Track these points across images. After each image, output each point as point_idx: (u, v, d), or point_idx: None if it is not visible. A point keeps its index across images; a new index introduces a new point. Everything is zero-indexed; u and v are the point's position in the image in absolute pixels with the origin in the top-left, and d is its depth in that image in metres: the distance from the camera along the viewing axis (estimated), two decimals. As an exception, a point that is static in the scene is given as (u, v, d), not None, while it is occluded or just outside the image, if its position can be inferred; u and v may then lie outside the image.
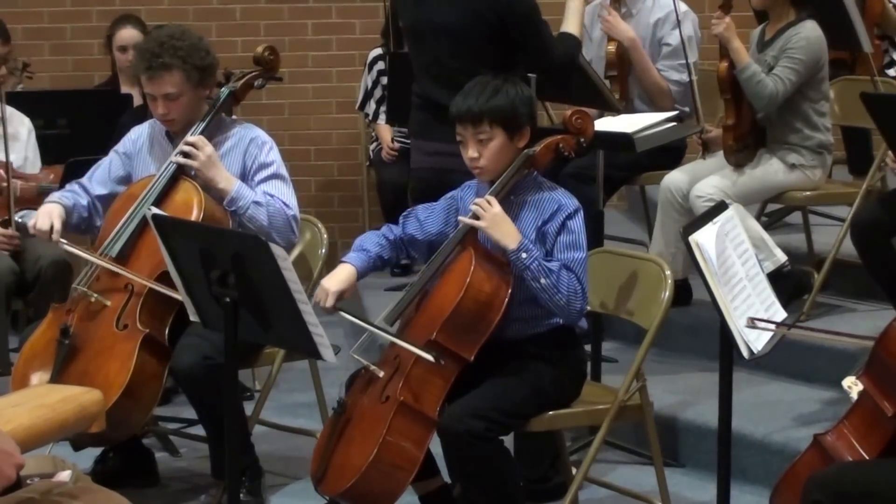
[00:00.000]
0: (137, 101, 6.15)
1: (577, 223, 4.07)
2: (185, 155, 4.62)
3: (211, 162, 4.62)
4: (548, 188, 4.15)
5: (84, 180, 4.85)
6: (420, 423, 3.98)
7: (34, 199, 5.56)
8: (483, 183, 4.17)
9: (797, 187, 5.57)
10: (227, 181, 4.62)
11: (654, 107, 5.92)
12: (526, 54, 4.87)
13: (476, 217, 4.03)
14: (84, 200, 4.79)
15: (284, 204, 4.66)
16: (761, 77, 5.35)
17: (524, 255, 3.97)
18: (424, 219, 4.28)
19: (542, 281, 3.97)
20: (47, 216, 4.66)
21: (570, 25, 5.04)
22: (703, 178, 5.50)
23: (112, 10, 7.30)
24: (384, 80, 7.19)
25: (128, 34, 6.50)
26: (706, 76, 6.13)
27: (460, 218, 4.10)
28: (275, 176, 4.71)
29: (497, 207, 4.02)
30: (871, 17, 6.48)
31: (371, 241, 4.26)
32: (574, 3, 5.07)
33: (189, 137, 4.64)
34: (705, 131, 5.67)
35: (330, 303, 4.11)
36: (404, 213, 4.35)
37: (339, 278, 4.16)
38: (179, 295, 4.09)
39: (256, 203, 4.61)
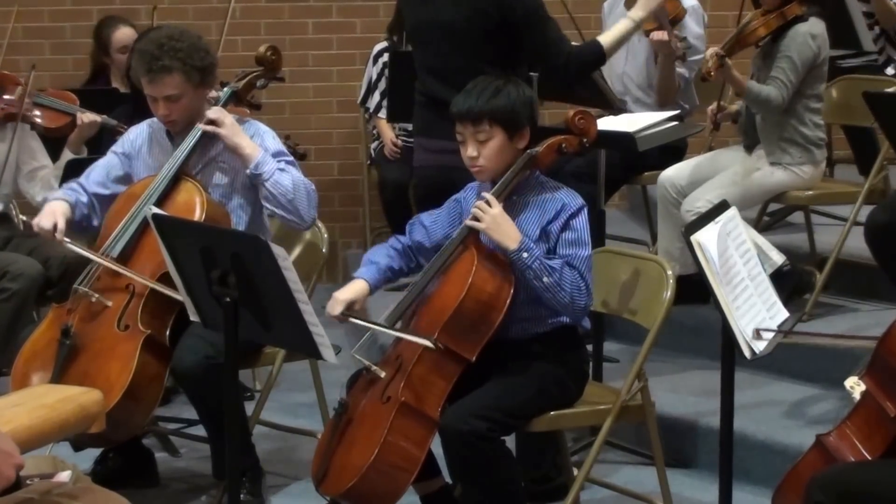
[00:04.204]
0: None
1: (581, 221, 4.06)
2: (210, 125, 4.64)
3: (235, 129, 4.65)
4: (551, 188, 4.14)
5: (81, 179, 4.83)
6: (421, 424, 3.97)
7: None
8: (485, 183, 4.16)
9: (791, 186, 5.56)
10: (252, 148, 4.64)
11: (658, 97, 5.98)
12: (529, 53, 4.84)
13: (476, 219, 4.03)
14: (84, 198, 4.78)
15: (302, 180, 4.67)
16: (766, 92, 5.38)
17: (525, 255, 3.97)
18: (430, 224, 4.28)
19: (545, 280, 3.96)
20: (51, 215, 4.64)
21: (606, 37, 4.95)
22: (698, 178, 5.51)
23: (112, 9, 7.28)
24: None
25: (123, 34, 6.48)
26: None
27: (465, 221, 4.10)
28: (287, 162, 4.70)
29: (497, 208, 4.02)
30: None
31: (380, 253, 4.25)
32: (622, 24, 4.97)
33: (210, 111, 4.66)
34: (722, 109, 5.69)
35: (337, 311, 4.10)
36: (410, 222, 4.34)
37: (350, 289, 4.16)
38: (180, 296, 4.08)
39: (281, 170, 4.62)
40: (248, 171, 4.63)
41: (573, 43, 4.94)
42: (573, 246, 4.03)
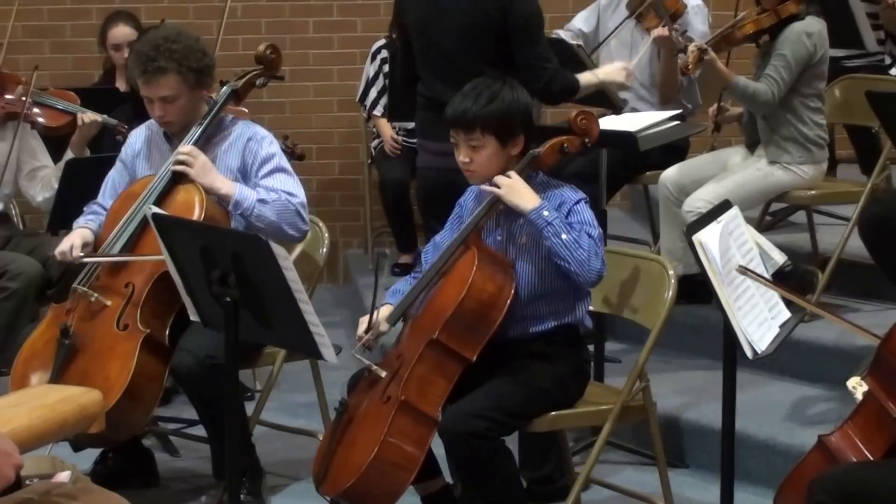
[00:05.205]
0: None
1: (582, 207, 4.07)
2: (180, 164, 4.59)
3: (207, 169, 4.59)
4: (553, 186, 4.14)
5: (100, 199, 4.83)
6: (421, 423, 3.96)
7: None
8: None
9: (791, 186, 5.55)
10: (227, 186, 4.59)
11: (660, 93, 5.99)
12: (518, 61, 4.83)
13: (496, 186, 4.03)
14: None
15: (288, 194, 4.62)
16: (754, 87, 5.36)
17: (546, 213, 3.97)
18: (440, 241, 4.27)
19: (563, 237, 3.95)
20: (69, 241, 4.65)
21: (584, 76, 5.01)
22: (699, 177, 5.50)
23: (111, 7, 7.26)
24: (387, 68, 7.17)
25: (120, 32, 6.47)
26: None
27: (482, 186, 4.10)
28: (277, 169, 4.67)
29: (515, 176, 4.03)
30: None
31: (403, 283, 4.26)
32: (590, 76, 5.07)
33: (181, 148, 4.61)
34: (723, 110, 5.68)
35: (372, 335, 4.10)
36: (424, 250, 4.36)
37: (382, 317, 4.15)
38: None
39: (261, 201, 4.58)
40: (228, 208, 4.59)
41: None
42: (582, 225, 4.03)
